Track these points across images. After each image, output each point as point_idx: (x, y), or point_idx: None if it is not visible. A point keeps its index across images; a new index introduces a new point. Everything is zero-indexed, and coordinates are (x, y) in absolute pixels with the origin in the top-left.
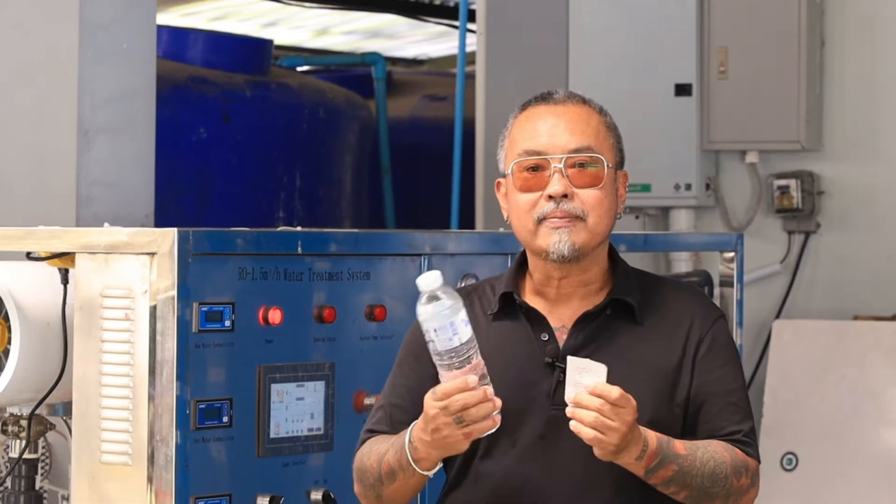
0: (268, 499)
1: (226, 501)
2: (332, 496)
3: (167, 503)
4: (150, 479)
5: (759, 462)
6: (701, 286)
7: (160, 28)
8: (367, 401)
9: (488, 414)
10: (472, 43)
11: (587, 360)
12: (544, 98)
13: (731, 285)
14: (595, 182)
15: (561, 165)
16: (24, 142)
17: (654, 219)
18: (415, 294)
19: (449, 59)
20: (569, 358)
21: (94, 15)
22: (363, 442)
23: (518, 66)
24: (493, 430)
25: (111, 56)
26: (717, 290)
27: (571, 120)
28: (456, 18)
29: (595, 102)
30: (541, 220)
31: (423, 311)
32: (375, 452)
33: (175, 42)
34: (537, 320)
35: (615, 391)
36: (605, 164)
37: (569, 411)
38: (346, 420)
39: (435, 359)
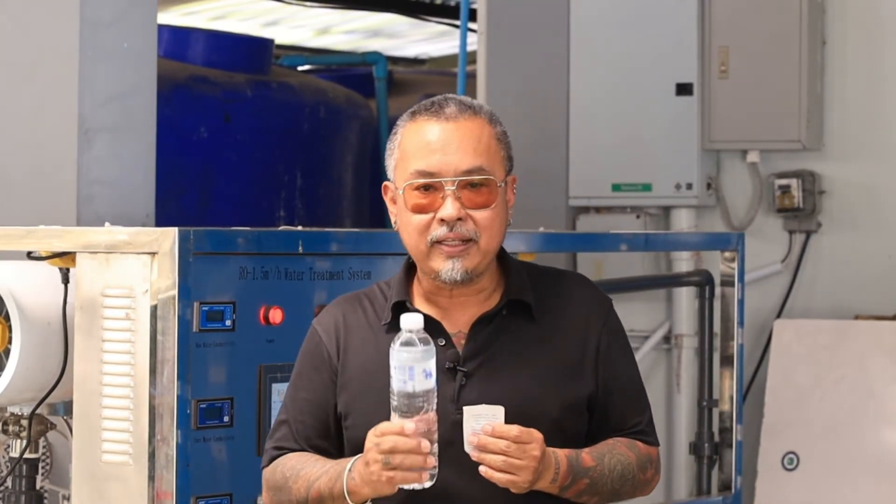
0: None
1: (226, 501)
2: None
3: (168, 503)
4: (150, 479)
5: (658, 446)
6: (702, 286)
7: (161, 27)
8: None
9: (416, 466)
10: (473, 42)
11: (483, 406)
12: (435, 111)
13: (732, 285)
14: (488, 203)
15: (454, 188)
16: (25, 141)
17: (655, 218)
18: None
19: (450, 59)
20: (465, 407)
21: (95, 14)
22: (273, 458)
23: (519, 65)
24: (422, 487)
25: (112, 55)
26: (717, 290)
27: (464, 137)
28: (457, 18)
29: (485, 110)
30: (434, 244)
31: (392, 346)
32: (304, 478)
33: (176, 41)
34: (432, 327)
35: (514, 429)
36: (497, 183)
37: (475, 456)
38: None
39: (391, 396)
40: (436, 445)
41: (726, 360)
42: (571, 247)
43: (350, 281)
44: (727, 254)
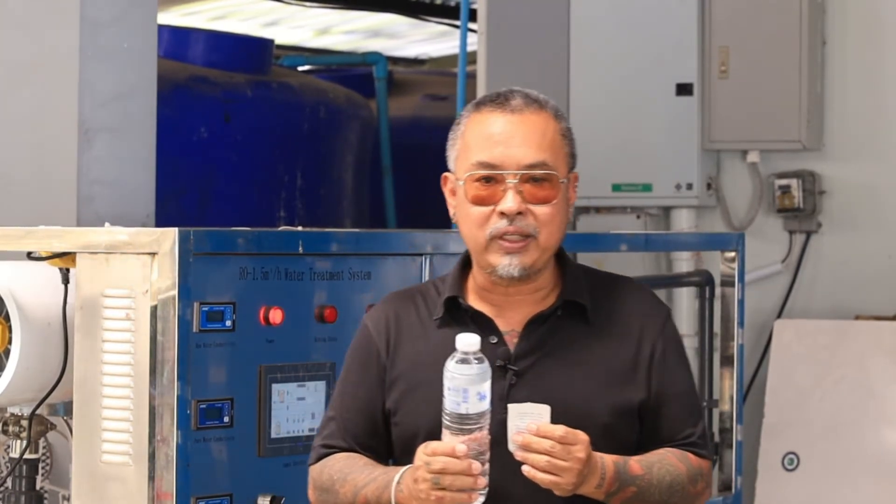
0: (269, 499)
1: (227, 501)
2: None
3: (168, 503)
4: (150, 479)
5: (711, 460)
6: (702, 286)
7: (161, 27)
8: None
9: (466, 487)
10: (473, 42)
11: (528, 404)
12: (500, 103)
13: (733, 285)
14: (549, 198)
15: (515, 181)
16: (25, 141)
17: (656, 218)
18: None
19: (450, 59)
20: (509, 405)
21: (95, 14)
22: (321, 456)
23: (519, 65)
24: None
25: (112, 55)
26: (718, 290)
27: (528, 131)
28: (457, 18)
29: (551, 104)
30: (493, 238)
31: (447, 365)
32: (351, 482)
33: (176, 41)
34: (485, 324)
35: (559, 429)
36: (560, 179)
37: (518, 456)
38: None
39: (443, 414)
40: (487, 465)
41: (726, 360)
42: (571, 247)
43: (350, 281)
44: (727, 254)
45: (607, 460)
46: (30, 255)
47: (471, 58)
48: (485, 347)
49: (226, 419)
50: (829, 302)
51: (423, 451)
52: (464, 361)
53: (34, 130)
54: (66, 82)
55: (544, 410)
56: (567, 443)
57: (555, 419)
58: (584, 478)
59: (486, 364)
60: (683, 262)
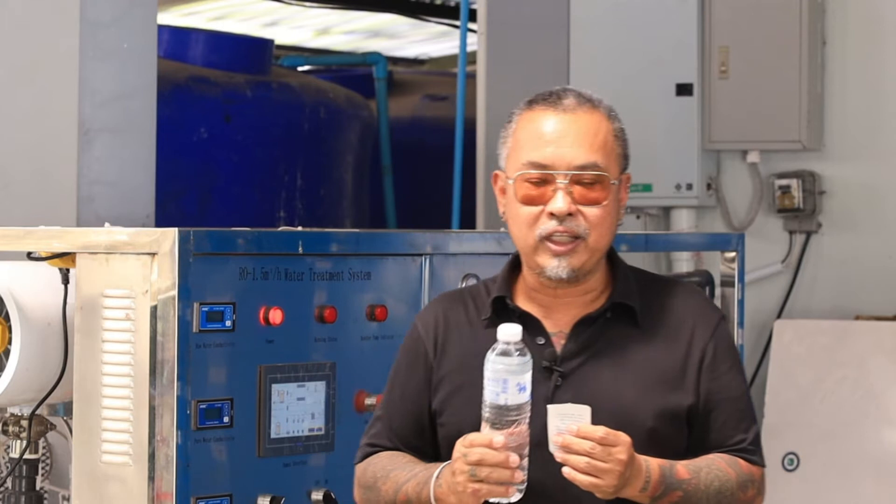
0: (268, 499)
1: (226, 501)
2: (333, 496)
3: (168, 503)
4: (150, 480)
5: (764, 466)
6: (702, 286)
7: (161, 28)
8: (368, 401)
9: (503, 480)
10: (473, 42)
11: (569, 405)
12: (553, 102)
13: (732, 285)
14: (599, 200)
15: (566, 182)
16: (25, 141)
17: (656, 219)
18: (416, 292)
19: (450, 59)
20: (549, 406)
21: (95, 14)
22: (367, 455)
23: (519, 65)
24: (508, 502)
25: (112, 55)
26: (718, 290)
27: (580, 131)
28: (457, 18)
29: (604, 105)
30: (542, 239)
31: (488, 355)
32: (393, 480)
33: (176, 42)
34: (532, 325)
35: (599, 430)
36: (611, 180)
37: (559, 457)
38: (347, 420)
39: (483, 406)
40: (526, 460)
41: None
42: None
43: (350, 282)
44: (727, 254)
45: (652, 463)
46: (30, 256)
47: (471, 58)
48: (531, 348)
49: (226, 419)
50: (830, 302)
51: (461, 442)
52: (505, 353)
53: (34, 130)
54: (66, 82)
55: (585, 411)
56: (608, 444)
57: (599, 422)
58: (627, 480)
59: (528, 356)
60: (683, 263)
